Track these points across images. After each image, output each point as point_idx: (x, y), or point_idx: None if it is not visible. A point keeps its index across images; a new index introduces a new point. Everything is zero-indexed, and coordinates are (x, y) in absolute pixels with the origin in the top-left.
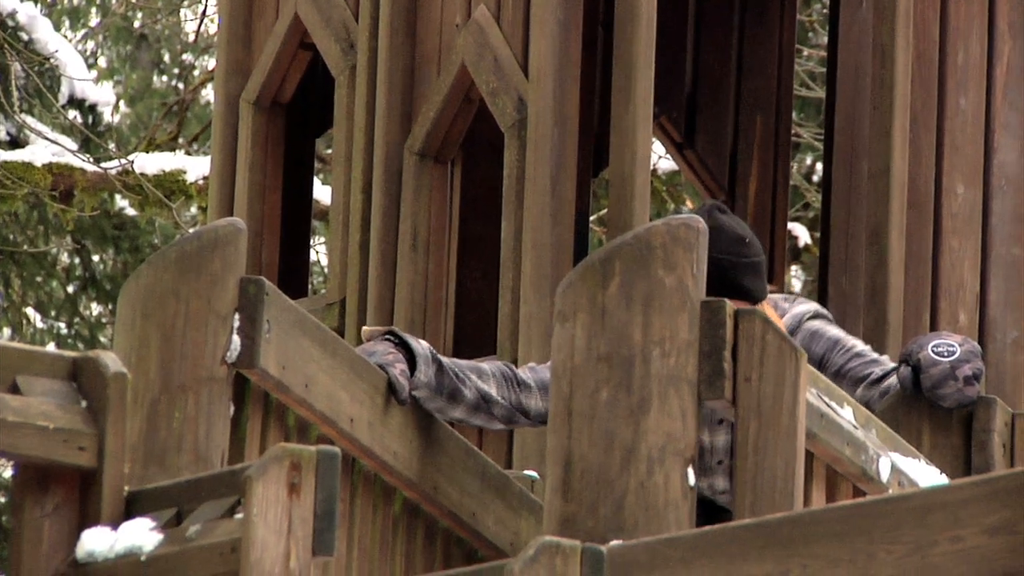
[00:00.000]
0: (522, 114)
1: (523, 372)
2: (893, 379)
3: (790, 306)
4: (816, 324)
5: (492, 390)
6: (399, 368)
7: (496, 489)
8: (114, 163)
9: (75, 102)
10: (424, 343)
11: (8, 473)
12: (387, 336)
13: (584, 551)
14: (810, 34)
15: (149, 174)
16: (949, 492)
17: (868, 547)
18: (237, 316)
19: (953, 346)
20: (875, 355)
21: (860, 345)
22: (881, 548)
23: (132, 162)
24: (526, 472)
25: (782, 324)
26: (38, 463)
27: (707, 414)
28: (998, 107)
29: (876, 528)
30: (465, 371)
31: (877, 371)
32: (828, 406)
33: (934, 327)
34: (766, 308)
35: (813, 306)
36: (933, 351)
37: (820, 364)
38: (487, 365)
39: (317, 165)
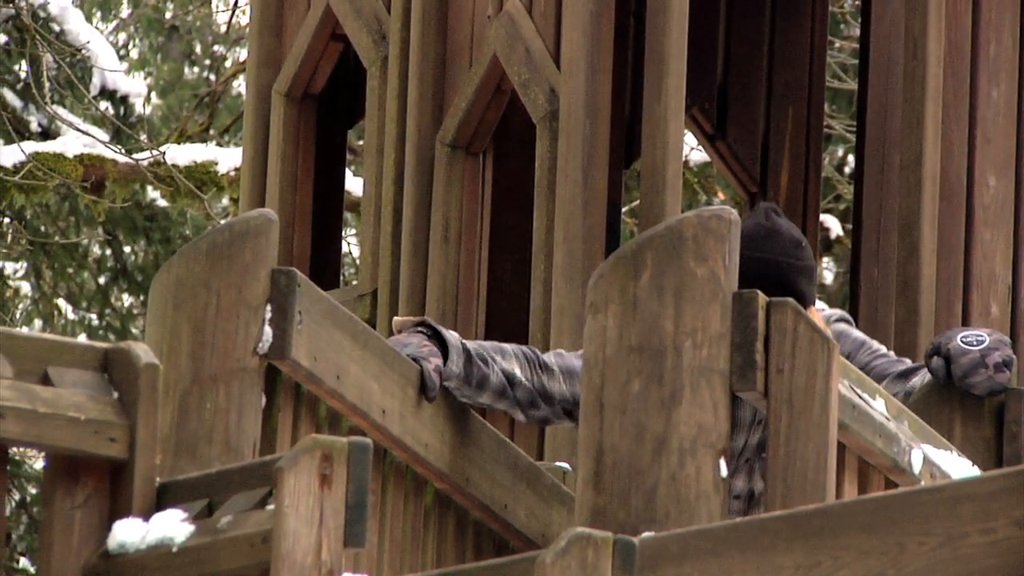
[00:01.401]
0: (554, 105)
1: (548, 356)
2: (917, 378)
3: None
4: (842, 327)
5: (516, 370)
6: (433, 363)
7: (527, 480)
8: (145, 154)
9: (106, 93)
10: (455, 334)
11: (39, 464)
12: (419, 328)
13: (616, 543)
14: (842, 26)
15: (180, 165)
16: (980, 484)
17: (899, 539)
18: (268, 307)
19: (982, 336)
20: (898, 358)
21: (884, 348)
22: (912, 540)
23: (163, 153)
24: (558, 464)
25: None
26: (69, 454)
27: (742, 417)
28: None
29: (907, 520)
30: (490, 353)
31: (901, 368)
32: (860, 397)
33: (966, 318)
34: (813, 313)
35: (838, 311)
36: (962, 341)
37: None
38: (510, 347)
39: (349, 156)
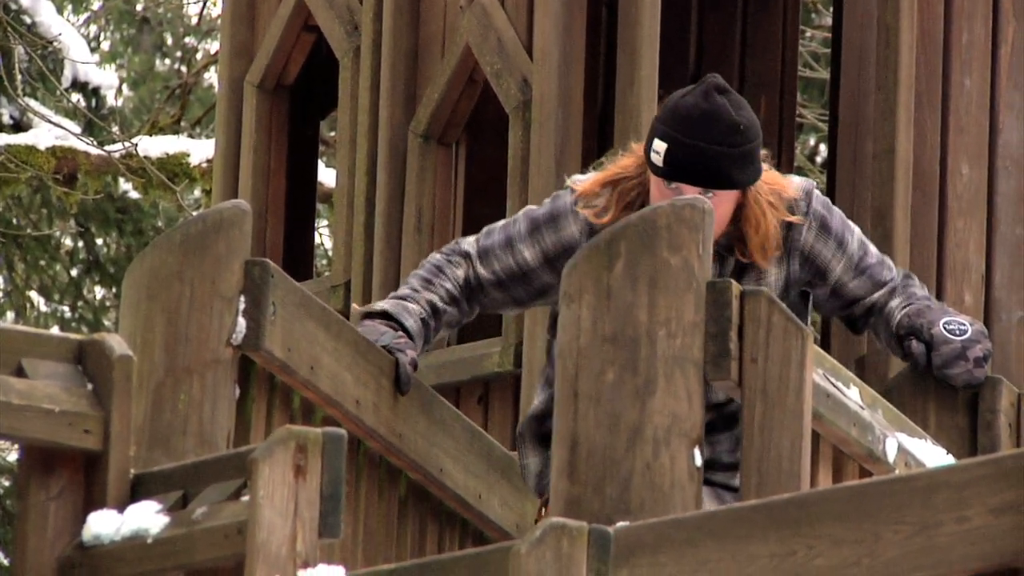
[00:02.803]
0: (526, 95)
1: (475, 245)
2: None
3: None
4: (823, 198)
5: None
6: (410, 356)
7: (502, 471)
8: (117, 146)
9: (78, 85)
10: (414, 308)
11: (13, 456)
12: (384, 319)
13: (591, 532)
14: (813, 15)
15: (152, 157)
16: (955, 472)
17: (874, 528)
18: (242, 298)
19: (964, 325)
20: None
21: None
22: (887, 528)
23: (135, 145)
24: None
25: (789, 189)
26: (43, 446)
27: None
28: (1002, 87)
29: (882, 509)
30: (432, 290)
31: (888, 278)
32: (834, 386)
33: None
34: (785, 182)
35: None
36: (945, 328)
37: (840, 244)
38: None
39: (321, 147)
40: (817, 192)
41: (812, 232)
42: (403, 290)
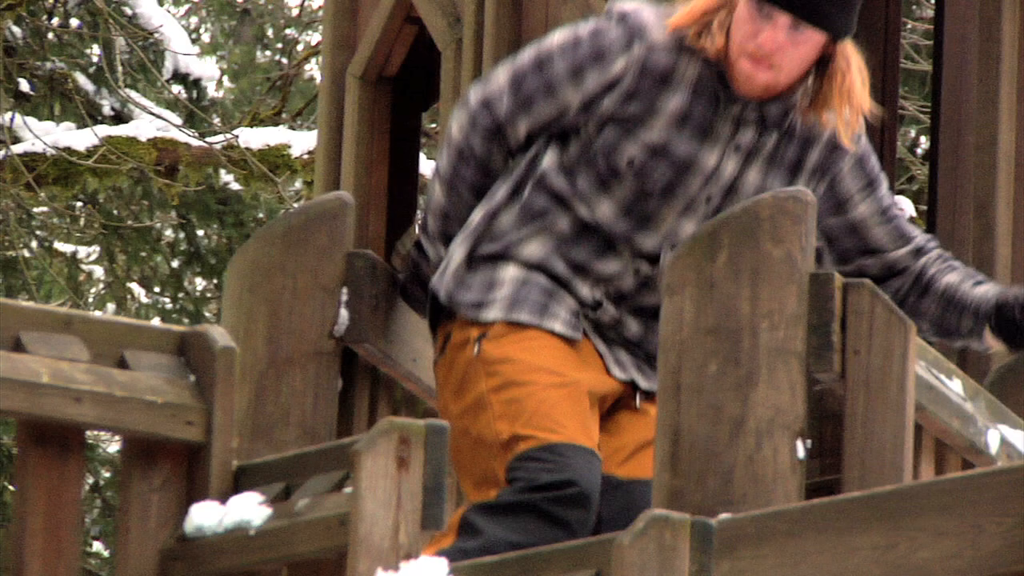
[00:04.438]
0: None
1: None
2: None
3: None
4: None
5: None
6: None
7: None
8: (219, 138)
9: (179, 77)
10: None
11: (114, 448)
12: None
13: (693, 524)
14: (915, 7)
15: (253, 149)
16: None
17: (976, 520)
18: (344, 290)
19: None
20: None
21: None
22: (989, 520)
23: (236, 137)
24: None
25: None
26: (145, 438)
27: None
28: None
29: (984, 501)
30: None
31: (915, 234)
32: (936, 378)
33: None
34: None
35: None
36: None
37: (871, 184)
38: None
39: (423, 139)
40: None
41: (850, 163)
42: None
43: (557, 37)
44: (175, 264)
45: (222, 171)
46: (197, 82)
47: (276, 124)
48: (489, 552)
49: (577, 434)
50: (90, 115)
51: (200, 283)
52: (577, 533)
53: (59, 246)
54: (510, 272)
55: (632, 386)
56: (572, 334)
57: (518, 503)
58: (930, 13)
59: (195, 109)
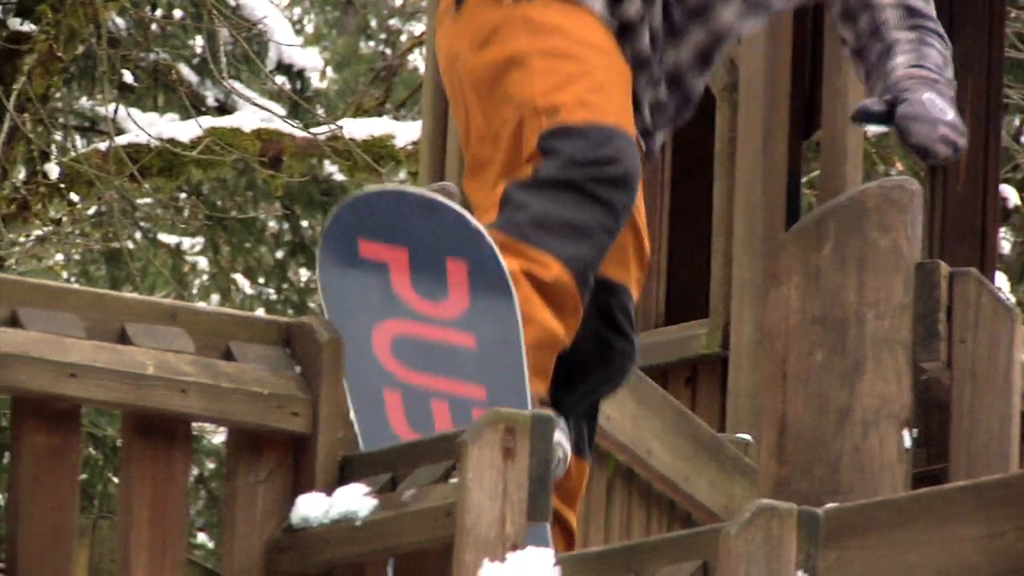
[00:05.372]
0: (733, 76)
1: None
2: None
3: None
4: None
5: None
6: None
7: (710, 452)
8: (323, 128)
9: (283, 68)
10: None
11: (218, 439)
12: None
13: (800, 514)
14: None
15: (357, 139)
16: None
17: None
18: None
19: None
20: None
21: None
22: None
23: (340, 127)
24: (739, 435)
25: None
26: (251, 429)
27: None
28: None
29: None
30: None
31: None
32: None
33: None
34: None
35: None
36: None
37: None
38: None
39: None
40: None
41: None
42: None
43: None
44: (279, 255)
45: (326, 162)
46: (301, 73)
47: (380, 115)
48: (541, 224)
49: (625, 121)
50: (194, 106)
51: (304, 274)
52: (620, 216)
53: (163, 237)
54: None
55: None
56: (609, 20)
57: (560, 180)
58: None
59: (299, 100)
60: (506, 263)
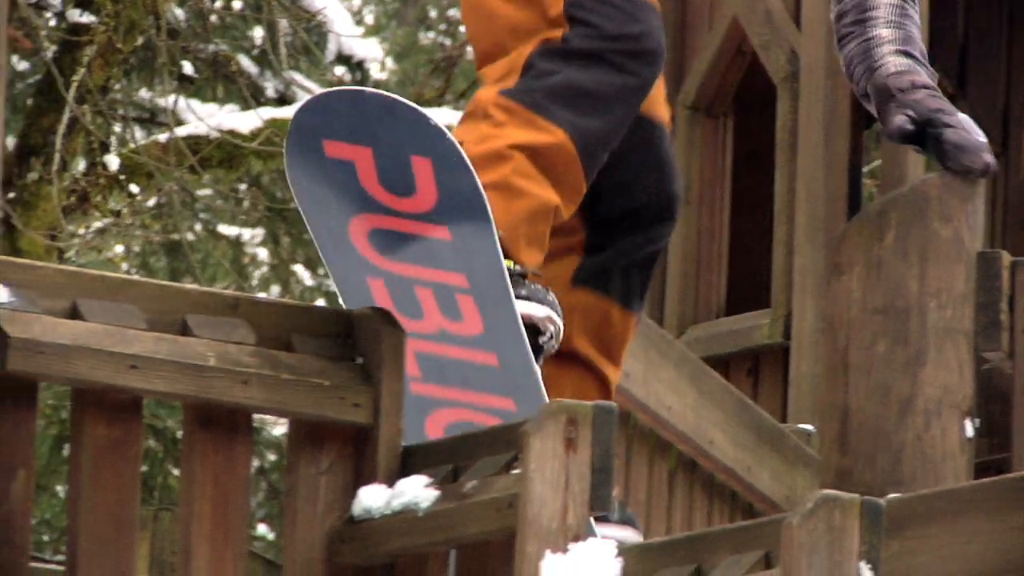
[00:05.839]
0: (794, 66)
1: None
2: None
3: None
4: None
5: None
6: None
7: (771, 443)
8: None
9: (342, 58)
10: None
11: (278, 431)
12: None
13: (862, 504)
14: None
15: None
16: None
17: None
18: None
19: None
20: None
21: None
22: None
23: None
24: (801, 426)
25: None
26: (312, 420)
27: None
28: None
29: None
30: None
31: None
32: None
33: None
34: None
35: None
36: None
37: None
38: None
39: None
40: None
41: None
42: None
43: None
44: None
45: None
46: (360, 64)
47: (440, 105)
48: (558, 94)
49: None
50: (253, 97)
51: None
52: (644, 91)
53: (223, 229)
54: None
55: None
56: None
57: (588, 51)
58: None
59: None
60: (502, 138)
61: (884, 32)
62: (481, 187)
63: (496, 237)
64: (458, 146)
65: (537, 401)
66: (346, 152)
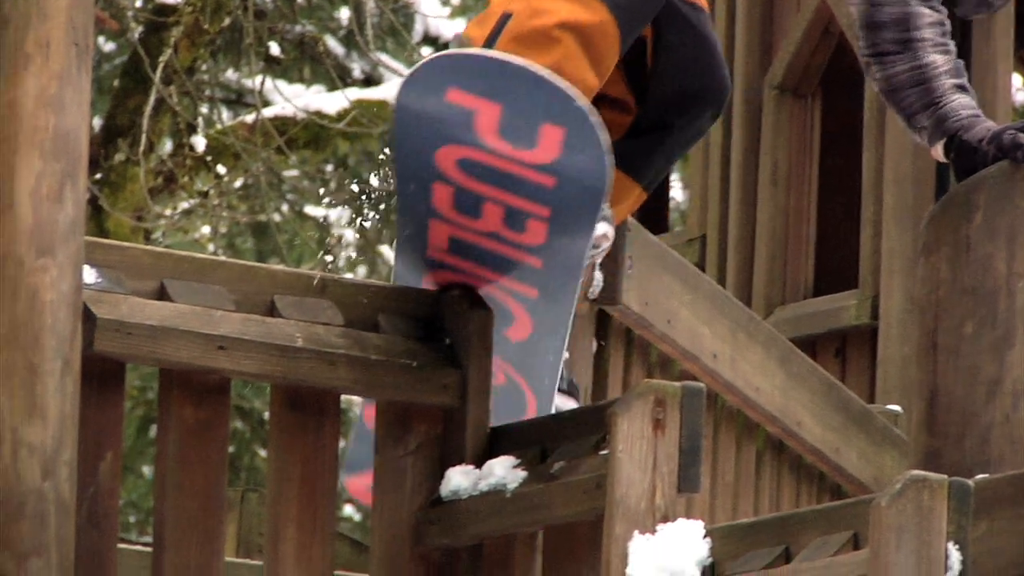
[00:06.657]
0: None
1: None
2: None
3: None
4: None
5: None
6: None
7: (859, 424)
8: None
9: (429, 39)
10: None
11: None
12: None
13: (951, 485)
14: None
15: None
16: None
17: None
18: None
19: None
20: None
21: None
22: None
23: None
24: (889, 406)
25: None
26: (401, 402)
27: None
28: None
29: None
30: None
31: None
32: None
33: None
34: None
35: None
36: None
37: None
38: None
39: None
40: None
41: None
42: None
43: None
44: None
45: None
46: (447, 45)
47: None
48: None
49: None
50: (340, 78)
51: None
52: None
53: (309, 210)
54: None
55: None
56: None
57: None
58: None
59: None
60: (551, 14)
61: (938, 59)
62: (608, 164)
63: (603, 203)
64: (597, 128)
65: (566, 312)
66: (469, 102)
